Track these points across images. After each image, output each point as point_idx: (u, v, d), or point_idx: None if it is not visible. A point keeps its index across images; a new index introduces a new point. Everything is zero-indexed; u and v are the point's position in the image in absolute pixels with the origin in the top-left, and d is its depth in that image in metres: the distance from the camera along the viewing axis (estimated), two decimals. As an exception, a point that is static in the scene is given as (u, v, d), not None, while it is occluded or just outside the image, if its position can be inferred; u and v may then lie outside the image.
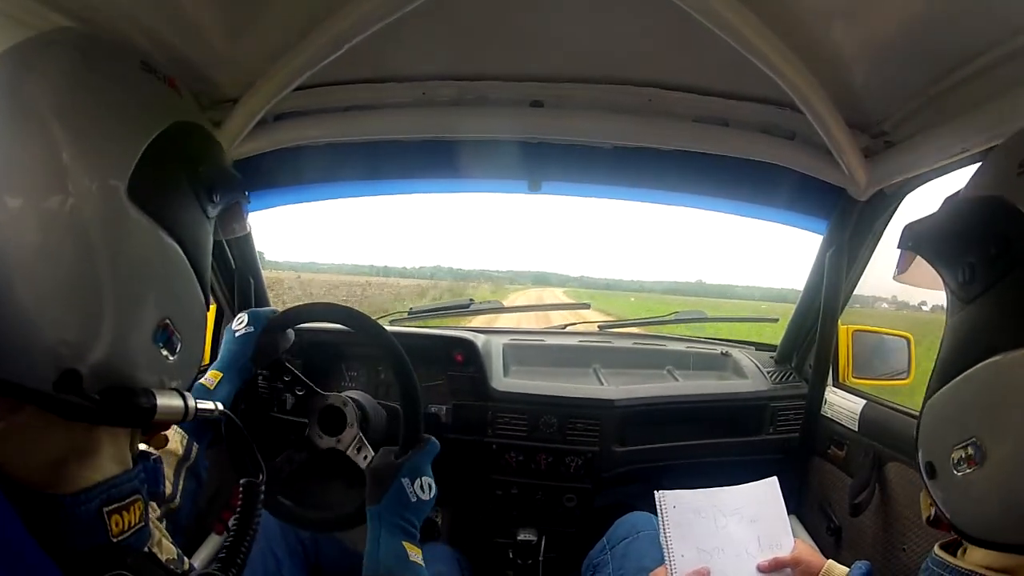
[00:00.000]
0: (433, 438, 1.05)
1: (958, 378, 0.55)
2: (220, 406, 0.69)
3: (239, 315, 1.16)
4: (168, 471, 0.91)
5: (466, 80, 1.20)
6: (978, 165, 0.60)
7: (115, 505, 0.54)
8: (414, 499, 0.96)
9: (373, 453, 1.12)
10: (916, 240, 0.63)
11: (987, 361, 0.52)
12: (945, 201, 0.62)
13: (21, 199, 0.49)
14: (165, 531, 0.71)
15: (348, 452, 1.14)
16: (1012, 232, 0.51)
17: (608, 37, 1.04)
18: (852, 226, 1.39)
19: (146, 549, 0.60)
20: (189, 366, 0.61)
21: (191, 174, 0.59)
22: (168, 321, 0.56)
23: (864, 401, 1.42)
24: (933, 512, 0.60)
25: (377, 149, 1.39)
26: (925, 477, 0.58)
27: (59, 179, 0.50)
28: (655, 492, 1.14)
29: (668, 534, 1.10)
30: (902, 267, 0.69)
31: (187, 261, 0.58)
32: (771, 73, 0.97)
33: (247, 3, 0.90)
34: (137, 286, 0.54)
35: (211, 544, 1.43)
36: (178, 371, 0.59)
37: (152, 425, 0.58)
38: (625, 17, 0.97)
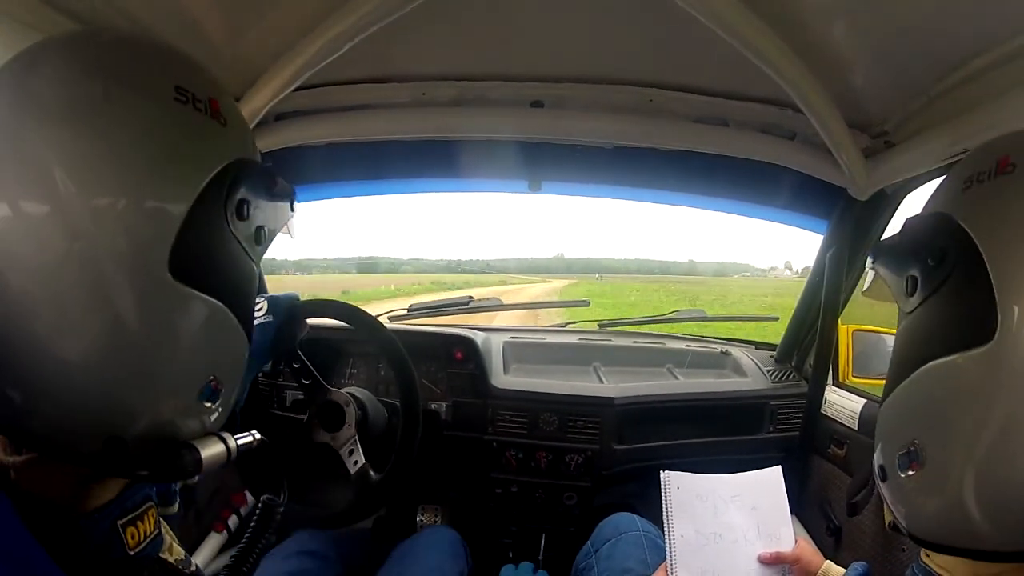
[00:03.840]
0: None
1: (901, 384, 0.57)
2: (257, 435, 0.66)
3: (257, 300, 1.09)
4: None
5: (466, 80, 1.20)
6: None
7: (129, 516, 0.54)
8: None
9: (363, 461, 1.13)
10: (874, 258, 0.65)
11: (924, 367, 0.54)
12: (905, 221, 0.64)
13: (46, 271, 0.46)
14: (173, 533, 0.72)
15: (340, 451, 1.15)
16: (948, 243, 0.53)
17: (608, 37, 1.04)
18: (852, 226, 1.39)
19: (158, 555, 0.60)
20: (229, 403, 0.59)
21: (237, 226, 0.54)
22: (213, 378, 0.54)
23: (864, 400, 1.43)
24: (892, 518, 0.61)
25: (378, 149, 1.39)
26: (878, 481, 0.59)
27: (90, 259, 0.46)
28: (660, 471, 1.14)
29: (670, 514, 1.10)
30: (865, 286, 0.70)
31: (232, 315, 0.55)
32: (772, 73, 0.97)
33: (249, 2, 0.91)
34: (181, 358, 0.51)
35: (211, 543, 1.44)
36: (218, 410, 0.57)
37: None
38: (625, 17, 0.97)
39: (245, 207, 0.54)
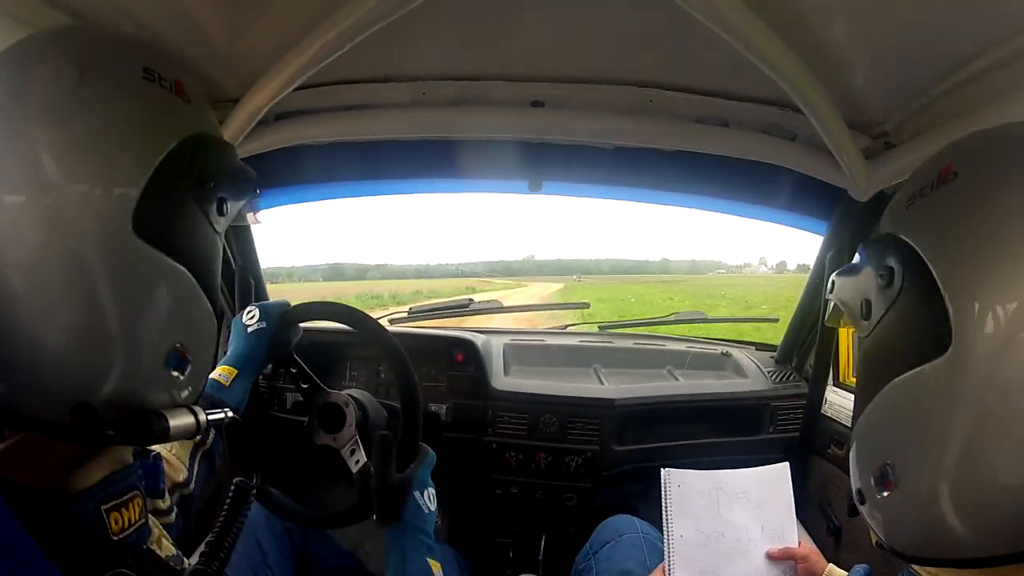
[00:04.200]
0: (429, 448, 1.05)
1: (868, 406, 0.57)
2: (229, 412, 0.68)
3: (249, 308, 1.13)
4: (183, 454, 0.91)
5: (467, 80, 1.19)
6: None
7: (113, 503, 0.55)
8: (426, 511, 0.97)
9: (366, 459, 1.13)
10: (832, 289, 0.67)
11: (888, 385, 0.54)
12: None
13: (17, 235, 0.48)
14: (164, 530, 0.72)
15: (342, 452, 1.14)
16: (896, 262, 0.54)
17: (609, 37, 1.04)
18: (853, 227, 1.39)
19: (145, 547, 0.60)
20: (199, 380, 0.61)
21: (199, 194, 0.57)
22: (179, 345, 0.56)
23: None
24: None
25: (377, 149, 1.39)
26: (857, 504, 0.60)
27: (57, 217, 0.48)
28: (660, 469, 1.12)
29: (669, 513, 1.08)
30: (830, 320, 0.71)
31: (196, 283, 0.57)
32: (772, 74, 0.97)
33: (249, 2, 0.91)
34: (146, 319, 0.53)
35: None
36: (188, 386, 0.58)
37: None
38: (626, 17, 0.97)
39: (207, 178, 0.57)
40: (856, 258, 0.64)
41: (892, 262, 0.55)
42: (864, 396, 0.59)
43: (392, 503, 0.95)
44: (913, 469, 0.52)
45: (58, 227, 0.48)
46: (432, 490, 1.00)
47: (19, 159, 0.48)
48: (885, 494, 0.54)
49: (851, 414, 1.40)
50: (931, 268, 0.51)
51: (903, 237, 0.54)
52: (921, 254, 0.52)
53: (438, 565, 0.93)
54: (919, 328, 0.52)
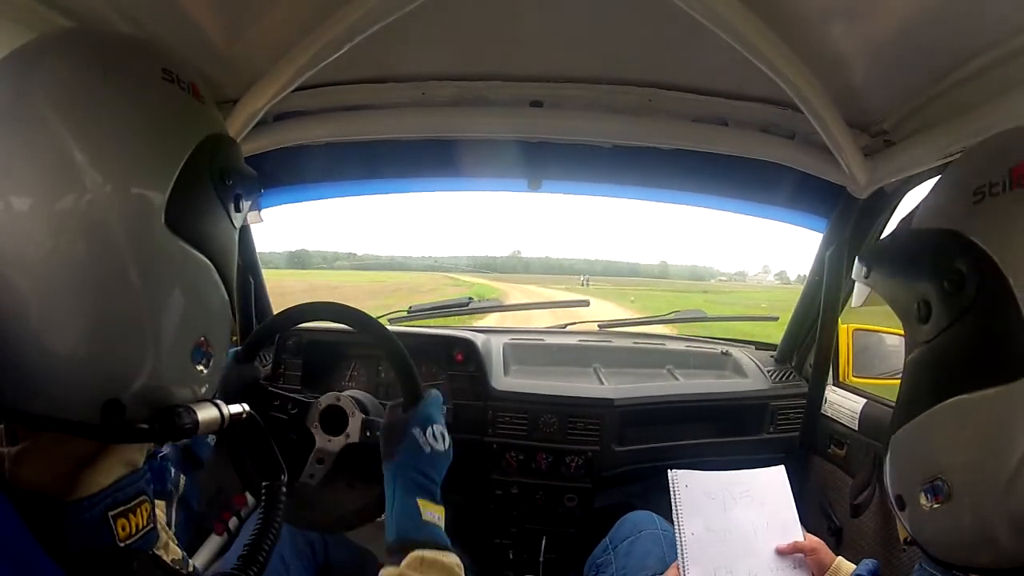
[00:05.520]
0: (434, 390, 0.99)
1: (921, 416, 0.55)
2: (247, 407, 0.68)
3: None
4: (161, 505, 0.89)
5: (466, 80, 1.20)
6: (930, 189, 0.59)
7: (120, 508, 0.54)
8: (428, 449, 0.89)
9: (315, 483, 1.09)
10: (867, 272, 0.63)
11: (949, 401, 0.52)
12: (898, 225, 0.62)
13: (51, 235, 0.48)
14: (170, 532, 0.71)
15: (313, 451, 1.10)
16: (967, 267, 0.50)
17: (608, 37, 1.04)
18: (852, 224, 1.39)
19: (151, 552, 0.60)
20: (218, 372, 0.61)
21: (220, 189, 0.59)
22: (204, 338, 0.57)
23: (864, 400, 1.42)
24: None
25: (377, 148, 1.39)
26: (895, 508, 0.58)
27: (89, 215, 0.49)
28: (668, 471, 1.15)
29: (679, 512, 1.11)
30: (858, 301, 0.69)
31: (218, 276, 0.58)
32: (771, 73, 0.97)
33: (248, 3, 0.91)
34: (176, 313, 0.54)
35: (211, 544, 1.43)
36: (208, 380, 0.59)
37: None
38: (625, 17, 0.97)
39: (226, 174, 0.59)
40: (888, 245, 0.59)
41: (962, 266, 0.51)
42: (917, 403, 0.56)
43: (388, 442, 0.91)
44: (970, 489, 0.51)
45: (91, 226, 0.49)
46: (439, 428, 0.92)
47: (45, 160, 0.49)
48: (935, 506, 0.53)
49: (851, 414, 1.41)
50: (1009, 281, 0.47)
51: (972, 239, 0.50)
52: (998, 263, 0.48)
53: (435, 507, 0.87)
54: (991, 347, 0.49)
